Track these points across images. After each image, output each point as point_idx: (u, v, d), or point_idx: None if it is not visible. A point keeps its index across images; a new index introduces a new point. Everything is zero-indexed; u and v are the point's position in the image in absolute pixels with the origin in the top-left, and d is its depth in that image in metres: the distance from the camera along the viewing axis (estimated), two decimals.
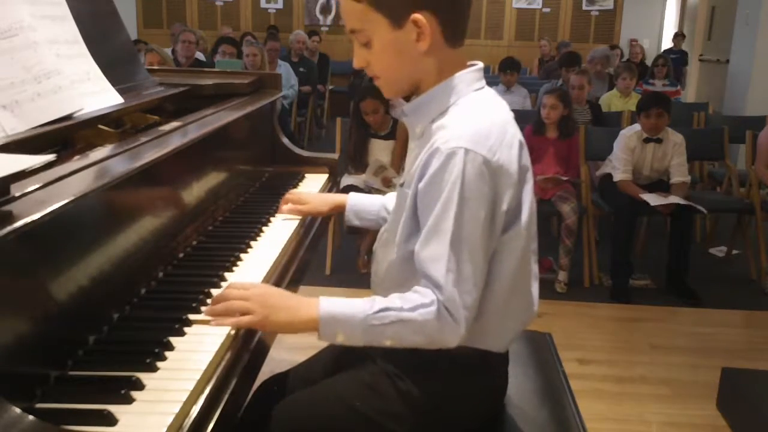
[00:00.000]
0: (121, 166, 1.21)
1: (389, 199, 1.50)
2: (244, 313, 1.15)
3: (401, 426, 1.26)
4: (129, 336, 1.12)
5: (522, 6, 10.03)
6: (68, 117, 1.34)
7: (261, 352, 1.20)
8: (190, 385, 0.96)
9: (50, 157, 1.05)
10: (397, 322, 1.14)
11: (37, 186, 1.00)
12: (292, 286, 1.44)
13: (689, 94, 8.22)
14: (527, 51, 9.44)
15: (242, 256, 1.46)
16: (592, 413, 2.33)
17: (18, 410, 0.79)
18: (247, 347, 1.15)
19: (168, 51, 5.23)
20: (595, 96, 5.34)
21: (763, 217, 4.06)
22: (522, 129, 1.28)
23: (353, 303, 1.18)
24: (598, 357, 3.07)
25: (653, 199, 3.68)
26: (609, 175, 3.99)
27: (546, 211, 3.84)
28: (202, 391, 0.98)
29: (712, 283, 3.95)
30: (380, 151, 4.06)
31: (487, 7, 9.91)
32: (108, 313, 1.14)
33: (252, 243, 1.54)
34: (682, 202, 3.66)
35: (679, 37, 8.82)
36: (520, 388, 1.44)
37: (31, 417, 0.79)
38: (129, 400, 0.92)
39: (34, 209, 0.93)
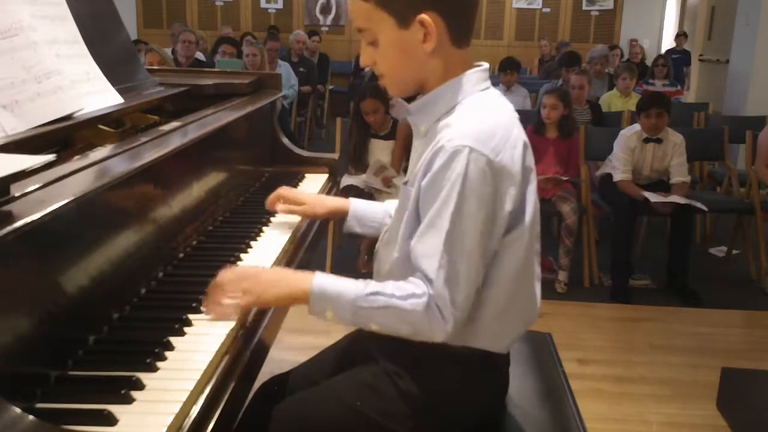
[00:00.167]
0: (121, 166, 1.21)
1: (391, 205, 1.49)
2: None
3: (402, 426, 1.26)
4: (129, 336, 1.12)
5: (522, 6, 10.04)
6: (68, 117, 1.34)
7: (261, 352, 1.20)
8: (190, 385, 0.96)
9: (50, 157, 1.05)
10: (385, 307, 1.15)
11: (37, 186, 1.00)
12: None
13: (687, 94, 8.22)
14: (527, 51, 9.44)
15: (242, 256, 1.46)
16: (592, 413, 2.33)
17: (18, 410, 0.79)
18: (247, 347, 1.15)
19: (168, 51, 5.23)
20: (595, 96, 5.34)
21: (763, 217, 4.06)
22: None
23: (347, 282, 1.19)
24: (598, 357, 3.07)
25: (654, 196, 3.68)
26: (609, 175, 3.99)
27: (546, 211, 3.84)
28: (202, 391, 0.98)
29: (712, 283, 3.94)
30: (380, 151, 4.06)
31: (487, 7, 9.90)
32: (108, 313, 1.14)
33: (252, 243, 1.54)
34: (682, 201, 3.66)
35: (681, 36, 8.80)
36: (520, 387, 1.44)
37: (31, 417, 0.79)
38: (129, 400, 0.92)
39: (34, 209, 0.93)
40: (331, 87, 8.88)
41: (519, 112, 1.28)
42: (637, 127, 3.92)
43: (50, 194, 1.00)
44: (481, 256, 1.17)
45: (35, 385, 0.93)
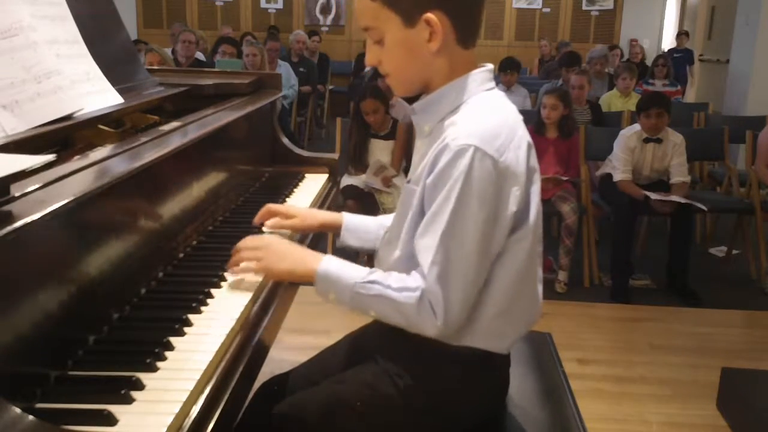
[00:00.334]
0: (121, 166, 1.21)
1: (386, 219, 1.48)
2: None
3: (402, 426, 1.26)
4: (129, 336, 1.12)
5: (522, 6, 10.04)
6: (68, 117, 1.34)
7: (261, 352, 1.20)
8: (190, 385, 0.96)
9: (50, 157, 1.05)
10: (380, 296, 1.19)
11: (37, 186, 1.00)
12: (292, 285, 1.44)
13: (689, 94, 8.22)
14: (527, 51, 9.44)
15: None
16: (592, 413, 2.32)
17: (18, 410, 0.79)
18: (247, 347, 1.15)
19: (168, 51, 5.23)
20: (595, 96, 5.34)
21: (763, 217, 4.06)
22: None
23: (350, 267, 1.24)
24: (598, 357, 3.07)
25: (654, 194, 3.68)
26: (609, 175, 3.99)
27: (546, 211, 3.83)
28: (202, 391, 0.98)
29: (712, 283, 3.95)
30: (380, 151, 4.06)
31: (487, 7, 9.84)
32: (108, 313, 1.14)
33: None
34: (682, 200, 3.66)
35: (682, 35, 8.79)
36: (520, 388, 1.44)
37: (31, 417, 0.79)
38: (129, 400, 0.92)
39: (34, 209, 0.93)
40: (331, 87, 8.89)
41: (519, 112, 1.28)
42: (637, 127, 3.92)
43: (50, 194, 1.00)
44: (482, 257, 1.17)
45: (35, 385, 0.93)
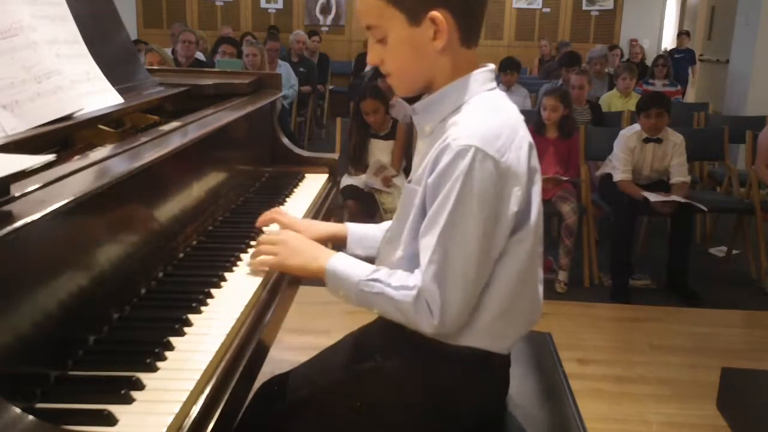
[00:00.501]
0: (121, 166, 1.21)
1: (387, 226, 1.48)
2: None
3: (402, 426, 1.26)
4: (129, 336, 1.12)
5: (522, 6, 10.04)
6: (68, 117, 1.34)
7: (261, 352, 1.20)
8: (190, 385, 0.96)
9: (50, 157, 1.05)
10: (380, 294, 1.21)
11: (37, 186, 1.00)
12: (293, 285, 1.44)
13: (689, 94, 8.22)
14: (527, 51, 9.44)
15: (242, 256, 1.46)
16: (592, 413, 2.32)
17: (18, 410, 0.79)
18: (247, 347, 1.15)
19: (168, 51, 5.23)
20: (595, 96, 5.35)
21: (763, 217, 4.06)
22: None
23: (357, 265, 1.28)
24: (598, 357, 3.07)
25: (654, 195, 3.68)
26: (609, 175, 3.99)
27: (546, 211, 3.78)
28: (202, 391, 0.98)
29: (712, 283, 3.95)
30: (380, 151, 4.06)
31: (488, 7, 9.87)
32: (108, 313, 1.14)
33: (252, 243, 1.54)
34: (682, 200, 3.66)
35: (683, 35, 8.78)
36: (520, 387, 1.44)
37: (31, 417, 0.79)
38: (129, 400, 0.92)
39: (34, 209, 0.93)
40: (331, 87, 8.89)
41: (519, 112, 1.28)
42: (637, 127, 3.92)
43: (50, 194, 1.00)
44: (483, 257, 1.17)
45: (35, 385, 0.93)
